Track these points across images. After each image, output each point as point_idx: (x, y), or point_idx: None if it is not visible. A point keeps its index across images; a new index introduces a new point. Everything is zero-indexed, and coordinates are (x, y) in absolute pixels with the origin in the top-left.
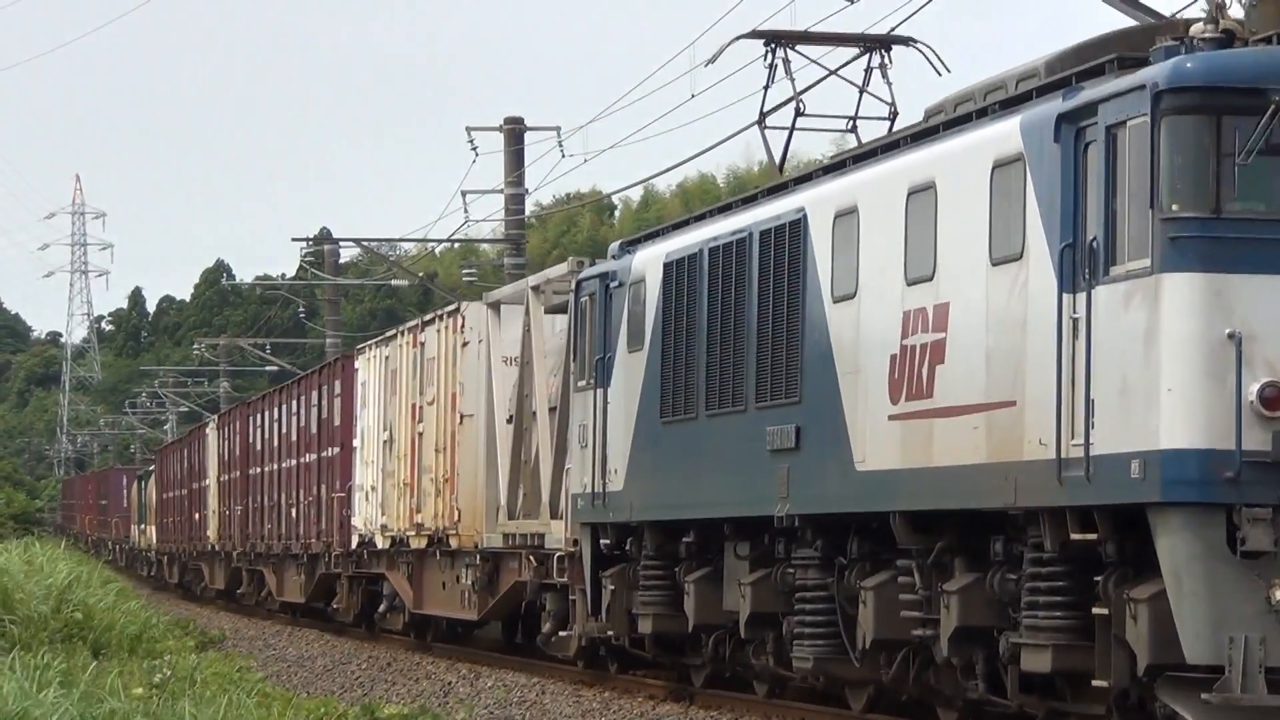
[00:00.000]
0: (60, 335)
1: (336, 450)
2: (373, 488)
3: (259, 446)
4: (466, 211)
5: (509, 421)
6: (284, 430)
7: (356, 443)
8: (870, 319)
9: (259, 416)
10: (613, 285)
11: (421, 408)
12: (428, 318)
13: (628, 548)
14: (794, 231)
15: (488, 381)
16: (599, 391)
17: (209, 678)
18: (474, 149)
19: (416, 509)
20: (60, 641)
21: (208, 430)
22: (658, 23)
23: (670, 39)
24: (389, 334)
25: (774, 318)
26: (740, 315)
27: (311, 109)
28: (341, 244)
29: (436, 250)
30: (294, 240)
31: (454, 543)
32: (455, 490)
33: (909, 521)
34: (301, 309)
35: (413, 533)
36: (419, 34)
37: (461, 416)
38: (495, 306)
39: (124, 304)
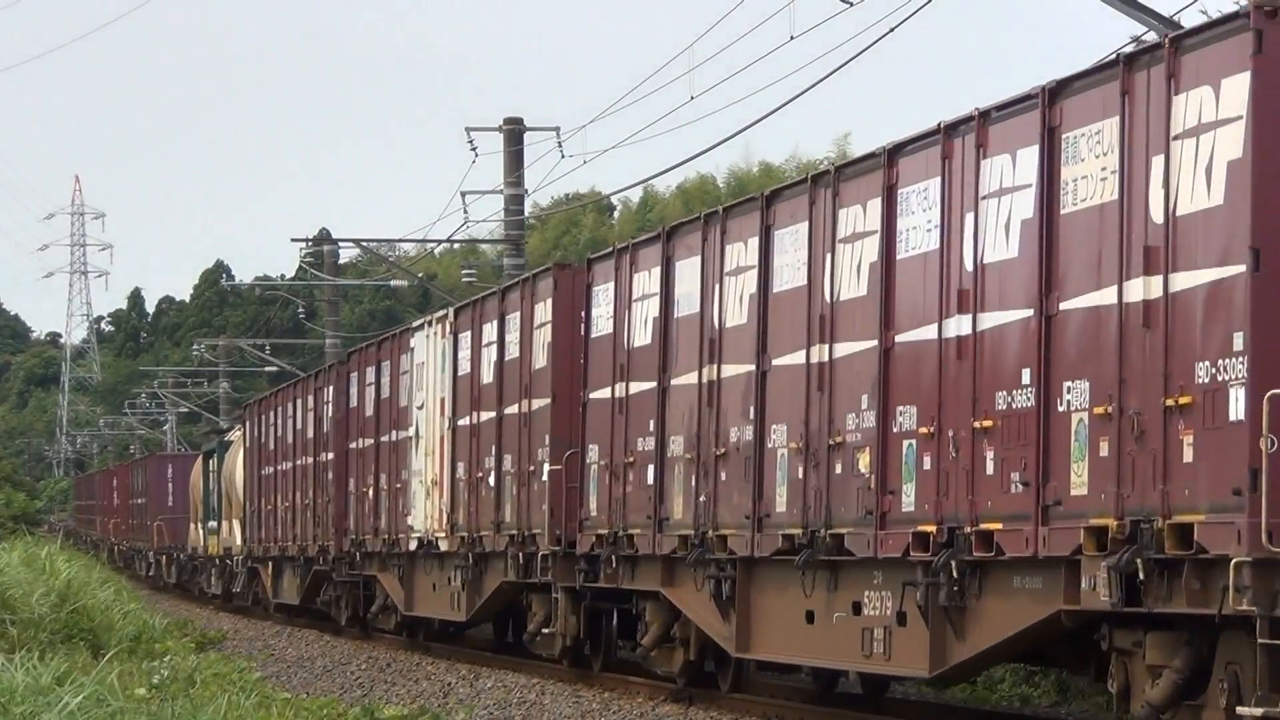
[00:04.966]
0: (60, 336)
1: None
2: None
3: (647, 339)
4: (466, 212)
5: None
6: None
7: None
8: None
9: (655, 272)
10: None
11: None
12: None
13: None
14: None
15: None
16: None
17: (209, 678)
18: (474, 149)
19: None
20: (60, 642)
21: (413, 339)
22: (658, 23)
23: (670, 39)
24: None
25: None
26: None
27: (311, 109)
28: (341, 244)
29: (436, 251)
30: (293, 241)
31: None
32: None
33: None
34: (301, 309)
35: None
36: (419, 33)
37: None
38: None
39: (123, 304)
